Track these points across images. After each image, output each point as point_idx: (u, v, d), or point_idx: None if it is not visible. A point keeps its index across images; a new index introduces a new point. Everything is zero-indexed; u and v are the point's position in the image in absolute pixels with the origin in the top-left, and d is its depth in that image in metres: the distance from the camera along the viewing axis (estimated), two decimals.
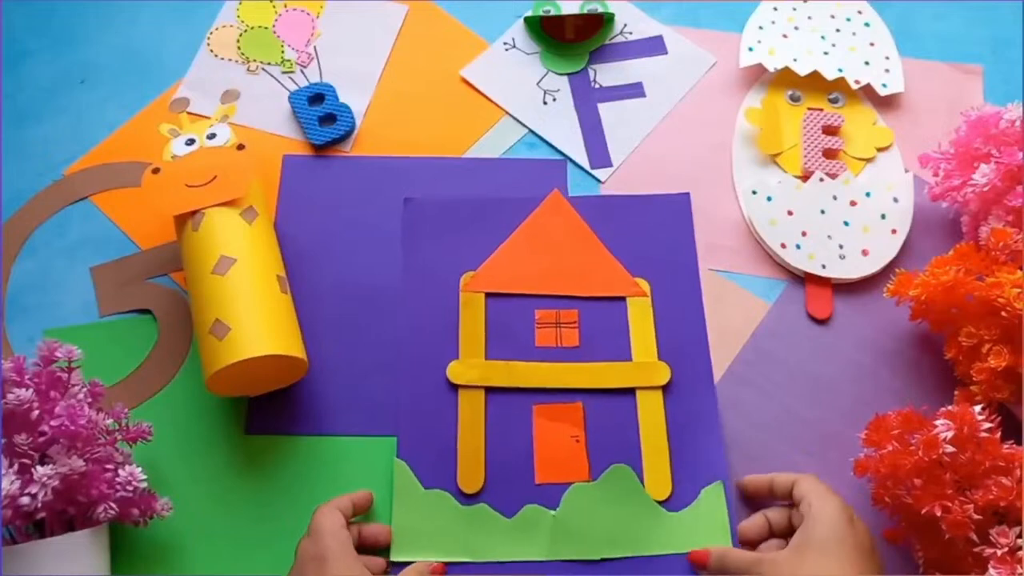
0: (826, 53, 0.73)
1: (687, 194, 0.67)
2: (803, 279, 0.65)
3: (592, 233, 0.65)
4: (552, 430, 0.58)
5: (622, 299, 0.63)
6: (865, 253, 0.65)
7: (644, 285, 0.63)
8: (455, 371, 0.60)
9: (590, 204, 0.67)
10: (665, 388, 0.59)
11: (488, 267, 0.64)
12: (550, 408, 0.59)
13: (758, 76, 0.74)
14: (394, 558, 0.54)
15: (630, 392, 0.59)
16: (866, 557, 0.48)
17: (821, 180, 0.68)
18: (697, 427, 0.58)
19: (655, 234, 0.65)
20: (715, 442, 0.57)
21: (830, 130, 0.70)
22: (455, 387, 0.60)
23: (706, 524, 0.55)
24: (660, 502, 0.56)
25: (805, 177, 0.68)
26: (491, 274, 0.63)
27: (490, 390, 0.60)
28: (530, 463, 0.57)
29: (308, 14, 0.78)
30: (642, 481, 0.56)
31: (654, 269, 0.64)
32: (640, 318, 0.62)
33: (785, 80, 0.73)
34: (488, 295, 0.63)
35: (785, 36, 0.75)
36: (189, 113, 0.70)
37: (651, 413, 0.59)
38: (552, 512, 0.56)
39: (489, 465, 0.57)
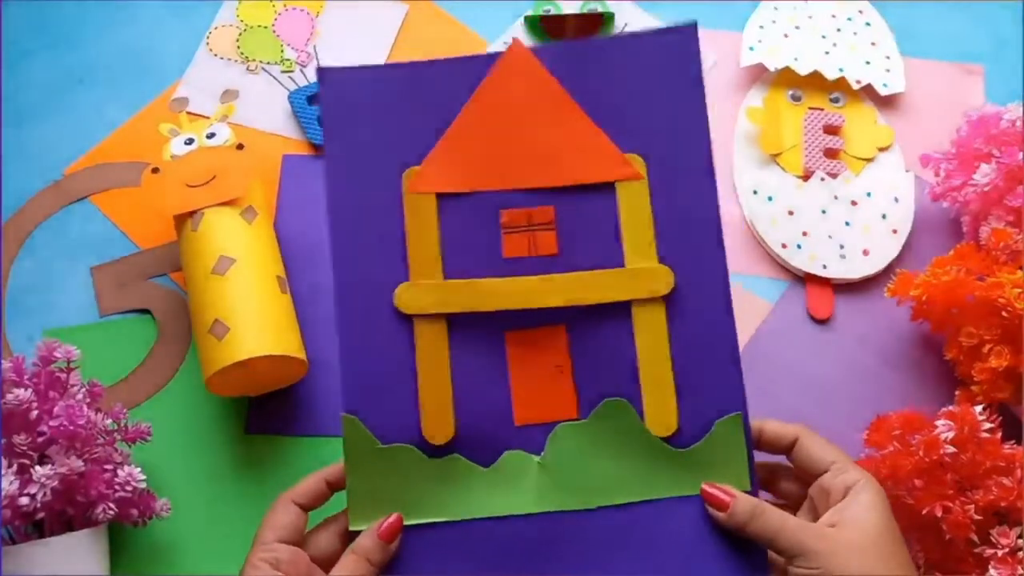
0: (827, 53, 0.73)
1: (693, 26, 0.49)
2: (804, 279, 0.65)
3: (568, 96, 0.49)
4: (530, 361, 0.48)
5: (610, 185, 0.48)
6: (866, 253, 0.65)
7: (638, 163, 0.48)
8: (405, 297, 0.47)
9: (563, 55, 0.49)
10: (668, 299, 0.47)
11: (436, 158, 0.49)
12: (526, 334, 0.48)
13: (759, 76, 0.73)
14: (353, 527, 0.46)
15: (624, 307, 0.48)
16: (908, 560, 0.43)
17: (822, 180, 0.68)
18: (708, 346, 0.47)
19: (651, 90, 0.49)
20: (730, 365, 0.47)
21: (831, 130, 0.70)
22: (408, 318, 0.48)
23: (720, 462, 0.46)
24: (664, 439, 0.47)
25: (806, 177, 0.68)
26: (441, 167, 0.49)
27: (452, 318, 0.48)
28: (507, 402, 0.47)
29: (308, 13, 0.78)
30: (641, 415, 0.47)
31: (650, 140, 0.48)
32: (634, 209, 0.48)
33: (786, 80, 0.72)
34: (440, 196, 0.48)
35: (786, 35, 0.74)
36: (188, 113, 0.70)
37: (650, 331, 0.47)
38: (536, 458, 0.47)
39: (459, 409, 0.47)
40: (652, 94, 0.49)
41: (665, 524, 0.46)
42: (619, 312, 0.48)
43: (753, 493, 0.46)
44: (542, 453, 0.47)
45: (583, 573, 0.46)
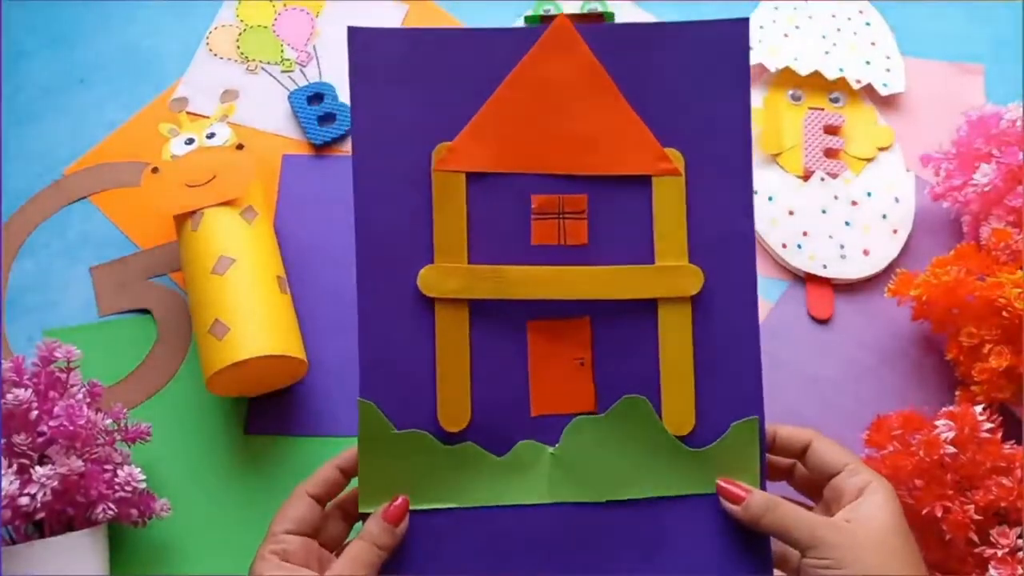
0: (827, 53, 0.73)
1: (745, 21, 0.47)
2: (804, 279, 0.65)
3: (611, 80, 0.47)
4: (551, 352, 0.47)
5: (646, 179, 0.47)
6: (866, 253, 0.65)
7: (677, 159, 0.47)
8: (429, 280, 0.46)
9: (609, 37, 0.47)
10: (695, 299, 0.47)
11: (469, 135, 0.47)
12: (550, 324, 0.47)
13: (759, 76, 0.73)
14: (363, 509, 0.45)
15: (650, 304, 0.47)
16: (919, 559, 0.44)
17: (822, 180, 0.67)
18: (732, 350, 0.47)
19: (697, 83, 0.47)
20: (752, 369, 0.47)
21: (831, 130, 0.70)
22: (430, 301, 0.46)
23: (733, 464, 0.46)
24: (680, 437, 0.46)
25: (806, 177, 0.68)
26: (473, 145, 0.47)
27: (474, 303, 0.47)
28: (524, 392, 0.47)
29: (308, 13, 0.78)
30: (659, 413, 0.46)
31: (692, 136, 0.47)
32: (669, 205, 0.47)
33: (786, 80, 0.72)
34: (470, 175, 0.47)
35: (786, 35, 0.74)
36: (188, 113, 0.70)
37: (676, 331, 0.47)
38: (551, 449, 0.46)
39: (476, 397, 0.46)
40: (698, 88, 0.47)
41: (674, 521, 0.46)
42: (645, 309, 0.47)
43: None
44: (556, 444, 0.47)
45: (590, 565, 0.46)
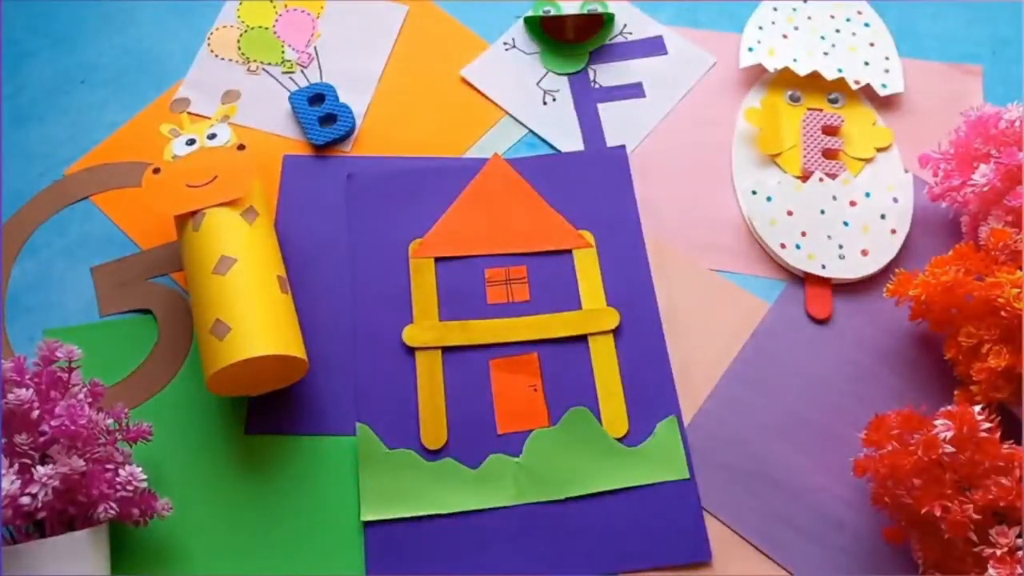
0: (826, 53, 0.73)
1: (623, 147, 0.69)
2: (803, 279, 0.65)
3: (535, 192, 0.67)
4: (510, 382, 0.60)
5: (568, 252, 0.65)
6: (865, 253, 0.65)
7: (589, 237, 0.65)
8: (410, 335, 0.61)
9: (531, 164, 0.68)
10: (615, 332, 0.62)
11: (435, 233, 0.65)
12: (507, 361, 0.61)
13: (758, 76, 0.74)
14: (364, 518, 0.56)
15: (582, 339, 0.62)
16: None
17: (821, 180, 0.68)
18: (648, 367, 0.61)
19: (596, 188, 0.68)
20: (666, 379, 0.60)
21: (830, 130, 0.70)
22: (411, 350, 0.61)
23: (663, 456, 0.58)
24: (618, 439, 0.58)
25: (805, 177, 0.68)
26: (439, 239, 0.65)
27: (446, 349, 0.61)
28: (491, 415, 0.59)
29: (308, 14, 0.78)
30: (600, 421, 0.59)
31: (597, 221, 0.66)
32: (587, 268, 0.64)
33: (785, 80, 0.73)
34: (437, 259, 0.64)
35: (785, 36, 0.75)
36: (190, 113, 0.70)
37: (604, 356, 0.61)
38: (516, 459, 0.58)
39: (451, 421, 0.59)
40: (597, 191, 0.67)
41: (620, 510, 0.56)
42: (579, 343, 0.62)
43: (691, 480, 0.57)
44: (520, 455, 0.58)
45: (555, 554, 0.55)
